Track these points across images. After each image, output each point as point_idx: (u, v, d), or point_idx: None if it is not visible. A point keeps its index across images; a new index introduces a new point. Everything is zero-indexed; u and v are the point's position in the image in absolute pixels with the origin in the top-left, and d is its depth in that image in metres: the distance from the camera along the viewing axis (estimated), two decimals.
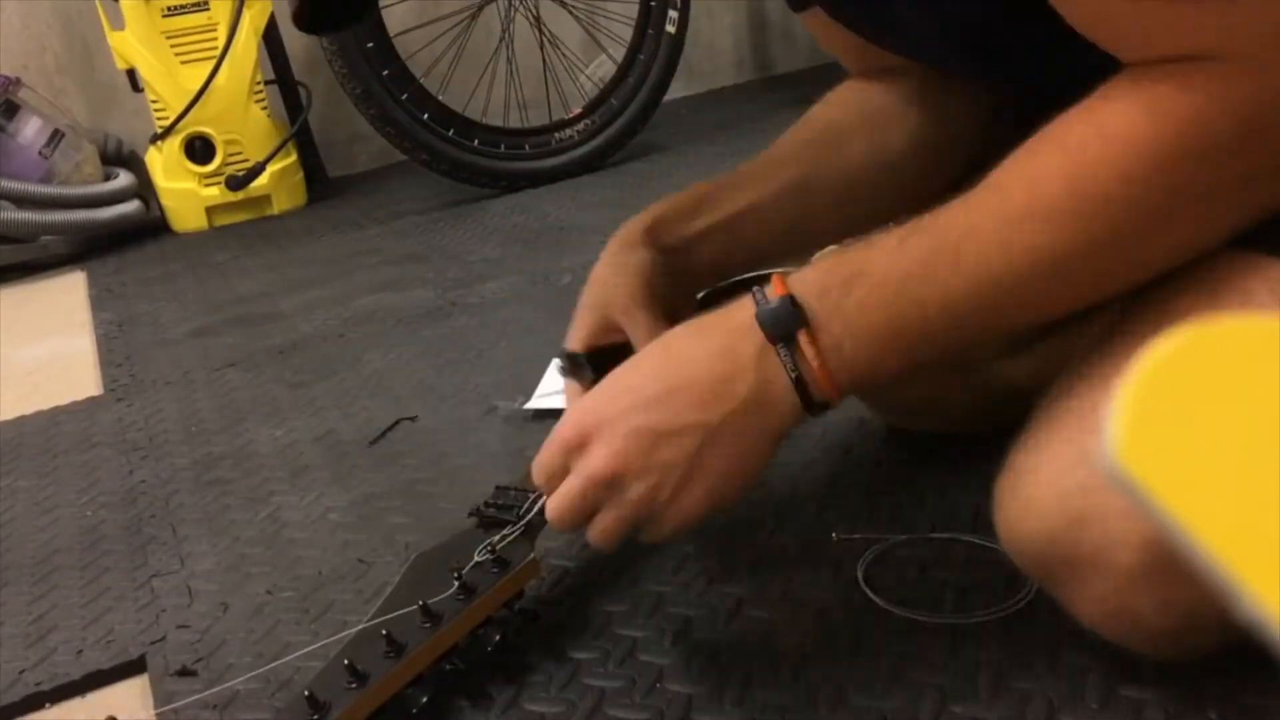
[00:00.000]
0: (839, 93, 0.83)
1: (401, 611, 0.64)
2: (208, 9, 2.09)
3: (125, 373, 1.40)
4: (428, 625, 0.63)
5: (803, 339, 0.56)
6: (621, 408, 0.58)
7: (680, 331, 0.61)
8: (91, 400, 1.33)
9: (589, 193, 1.99)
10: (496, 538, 0.70)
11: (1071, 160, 0.53)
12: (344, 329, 1.44)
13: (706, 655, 0.68)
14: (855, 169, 0.79)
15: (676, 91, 2.32)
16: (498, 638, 0.66)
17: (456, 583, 0.65)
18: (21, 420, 1.29)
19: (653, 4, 2.15)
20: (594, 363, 0.69)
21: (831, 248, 0.75)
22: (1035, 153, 0.55)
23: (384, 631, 0.62)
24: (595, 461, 0.58)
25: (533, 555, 0.69)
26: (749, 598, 0.72)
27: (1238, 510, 0.21)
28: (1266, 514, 0.21)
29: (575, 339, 0.72)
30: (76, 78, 2.33)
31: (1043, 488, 0.56)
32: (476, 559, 0.68)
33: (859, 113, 0.80)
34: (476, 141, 2.03)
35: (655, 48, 2.15)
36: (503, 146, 2.07)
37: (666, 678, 0.66)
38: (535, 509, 0.72)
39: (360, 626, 0.65)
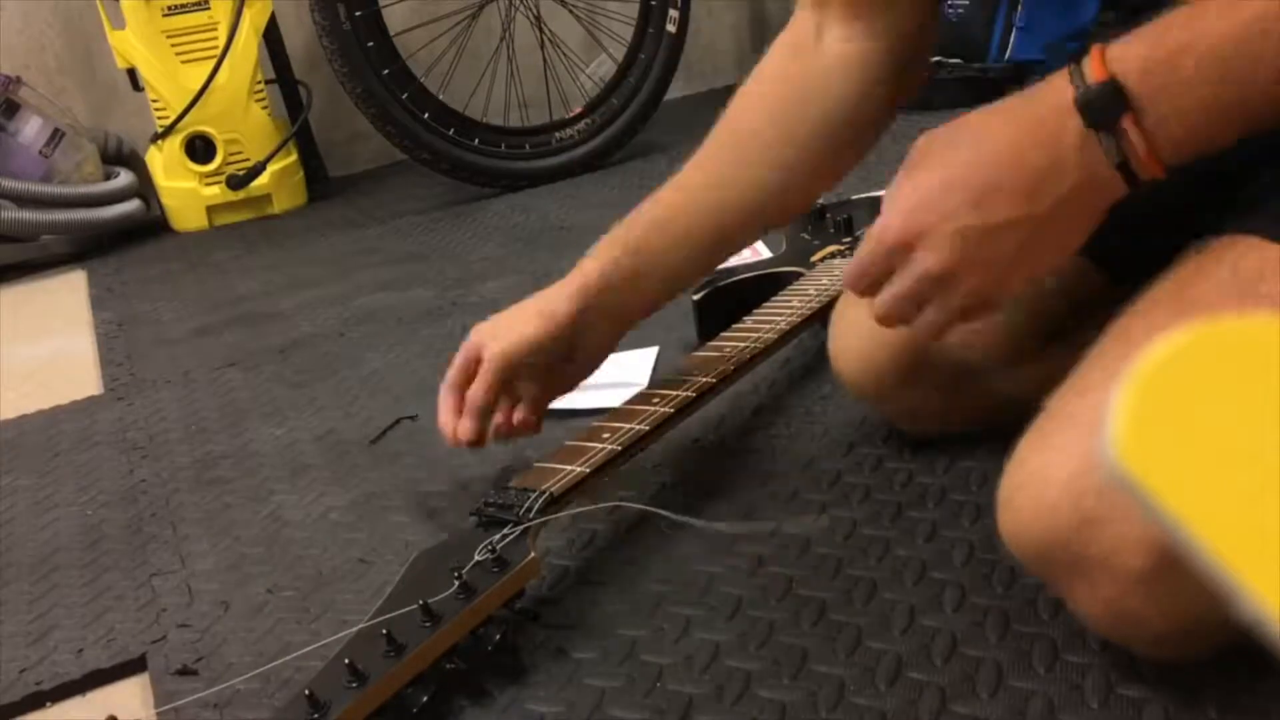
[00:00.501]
0: (756, 83, 0.86)
1: (401, 611, 0.64)
2: (208, 8, 2.09)
3: (125, 372, 1.40)
4: (428, 625, 0.63)
5: (1127, 123, 0.54)
6: (947, 208, 0.59)
7: (987, 118, 0.60)
8: (91, 400, 1.32)
9: (589, 192, 1.99)
10: (496, 537, 0.70)
11: None
12: (344, 329, 1.43)
13: (706, 655, 0.68)
14: (768, 185, 0.84)
15: (676, 91, 2.31)
16: (498, 638, 0.66)
17: (456, 582, 0.65)
18: (21, 420, 1.29)
19: (653, 3, 2.14)
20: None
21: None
22: None
23: (384, 631, 0.62)
24: (928, 262, 0.60)
25: (532, 555, 0.69)
26: (749, 597, 0.72)
27: (1238, 510, 0.21)
28: (1267, 514, 0.21)
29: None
30: (77, 77, 2.32)
31: (1055, 487, 0.55)
32: (476, 558, 0.68)
33: (769, 116, 0.83)
34: (477, 141, 2.03)
35: (656, 47, 2.15)
36: (503, 146, 2.07)
37: (666, 678, 0.66)
38: (537, 506, 0.72)
39: (360, 626, 0.65)
